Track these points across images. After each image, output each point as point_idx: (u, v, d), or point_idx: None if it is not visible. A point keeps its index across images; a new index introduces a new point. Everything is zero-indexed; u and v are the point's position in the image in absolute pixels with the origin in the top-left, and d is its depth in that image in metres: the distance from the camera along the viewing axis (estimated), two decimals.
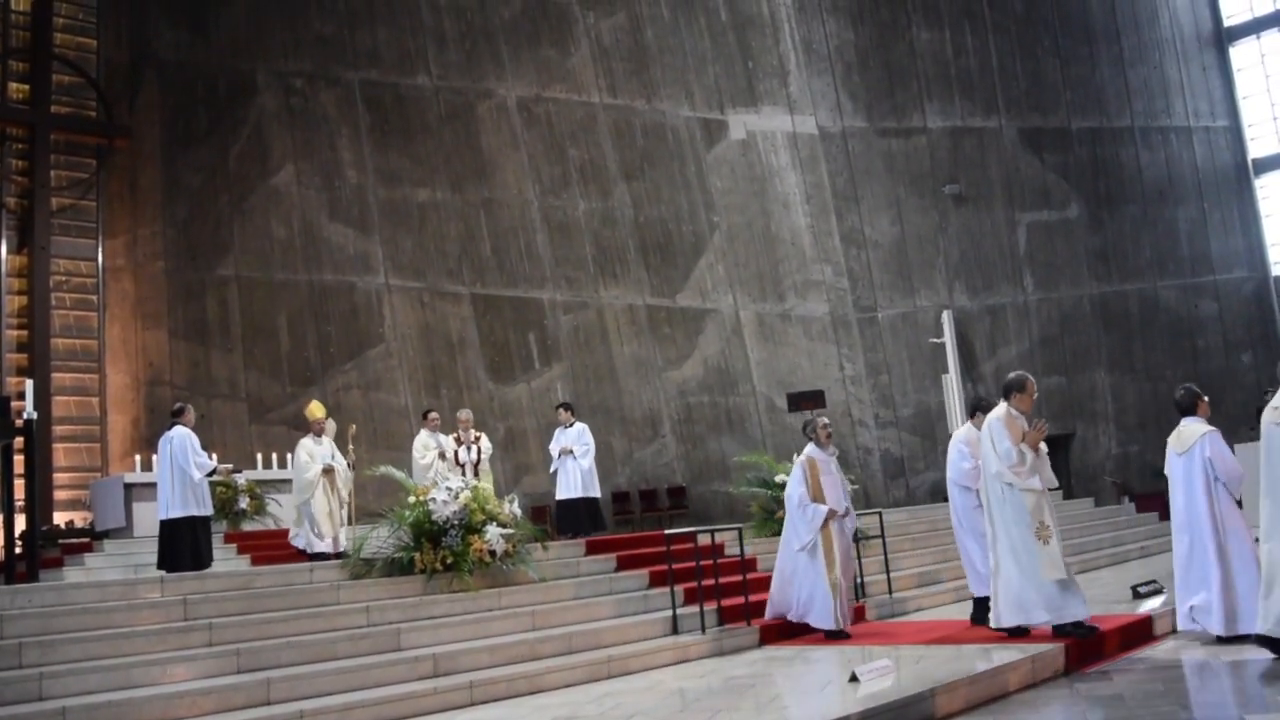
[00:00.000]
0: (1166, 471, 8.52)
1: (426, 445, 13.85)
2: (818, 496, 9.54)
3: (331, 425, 13.13)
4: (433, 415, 14.35)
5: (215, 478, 12.40)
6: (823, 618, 9.42)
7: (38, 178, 17.81)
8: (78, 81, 18.59)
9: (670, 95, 23.40)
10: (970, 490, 9.03)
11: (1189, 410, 8.45)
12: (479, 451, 13.77)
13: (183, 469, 11.26)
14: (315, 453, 12.53)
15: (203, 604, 8.15)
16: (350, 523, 12.32)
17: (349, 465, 12.65)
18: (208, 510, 11.55)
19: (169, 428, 11.64)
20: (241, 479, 15.04)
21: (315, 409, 12.99)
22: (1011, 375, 8.63)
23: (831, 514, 9.49)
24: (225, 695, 6.89)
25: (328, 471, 12.42)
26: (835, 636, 9.36)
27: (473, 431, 13.93)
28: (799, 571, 9.57)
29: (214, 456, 12.14)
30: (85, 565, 12.38)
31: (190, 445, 11.35)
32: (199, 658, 7.41)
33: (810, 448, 9.86)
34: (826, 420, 10.13)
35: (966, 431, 9.32)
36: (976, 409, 9.27)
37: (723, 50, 24.11)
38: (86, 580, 10.36)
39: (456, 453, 13.63)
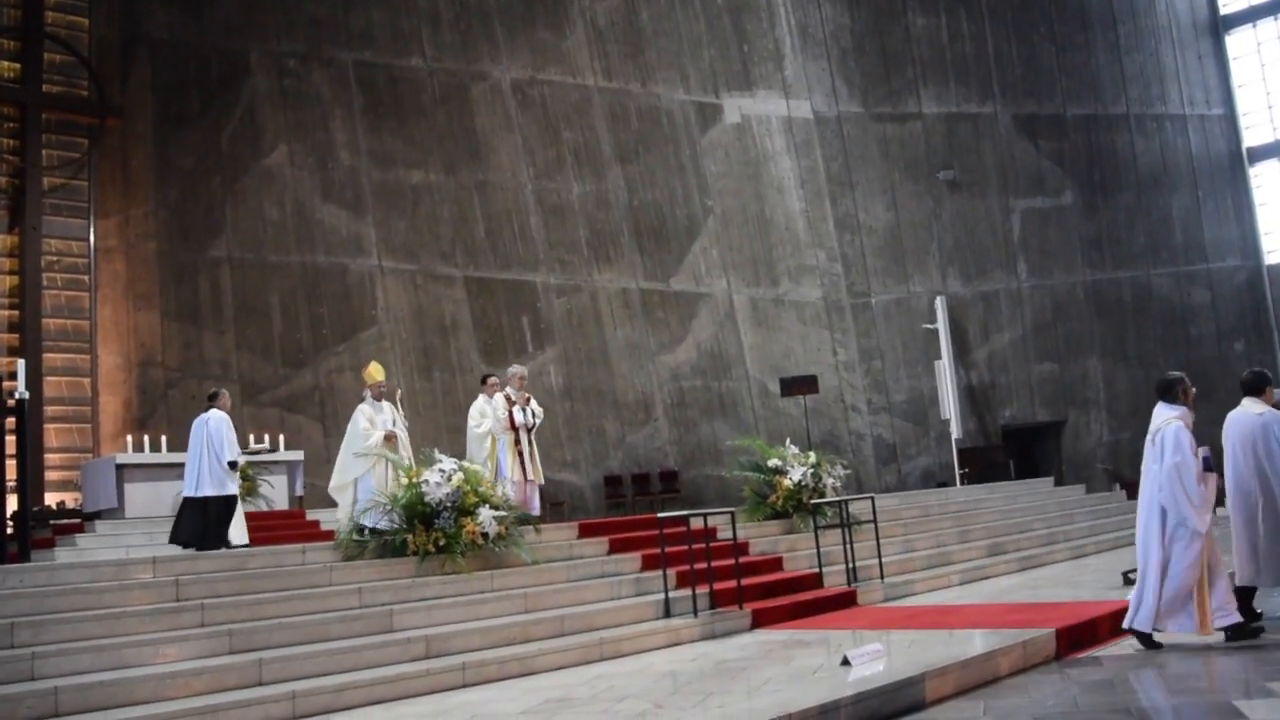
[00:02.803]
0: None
1: (483, 412, 12.85)
2: None
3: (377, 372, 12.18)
4: (492, 380, 13.18)
5: (251, 458, 11.95)
6: (1184, 617, 7.49)
7: (29, 157, 17.72)
8: (69, 60, 18.49)
9: (665, 78, 23.34)
10: None
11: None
12: (533, 414, 12.81)
13: (217, 453, 11.37)
14: (376, 419, 11.39)
15: (194, 585, 8.14)
16: None
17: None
18: (231, 491, 11.53)
19: (205, 410, 11.74)
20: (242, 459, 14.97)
21: (375, 370, 11.87)
22: None
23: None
24: (217, 676, 6.89)
25: (389, 439, 11.32)
26: (1147, 639, 7.64)
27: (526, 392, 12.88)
28: (1173, 561, 7.51)
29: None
30: (77, 546, 12.35)
31: (226, 430, 11.42)
32: (191, 638, 7.40)
33: (1183, 412, 7.74)
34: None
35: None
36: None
37: (718, 33, 24.05)
38: (78, 560, 10.34)
39: (511, 414, 12.59)
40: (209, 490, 11.31)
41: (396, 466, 10.86)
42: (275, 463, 15.58)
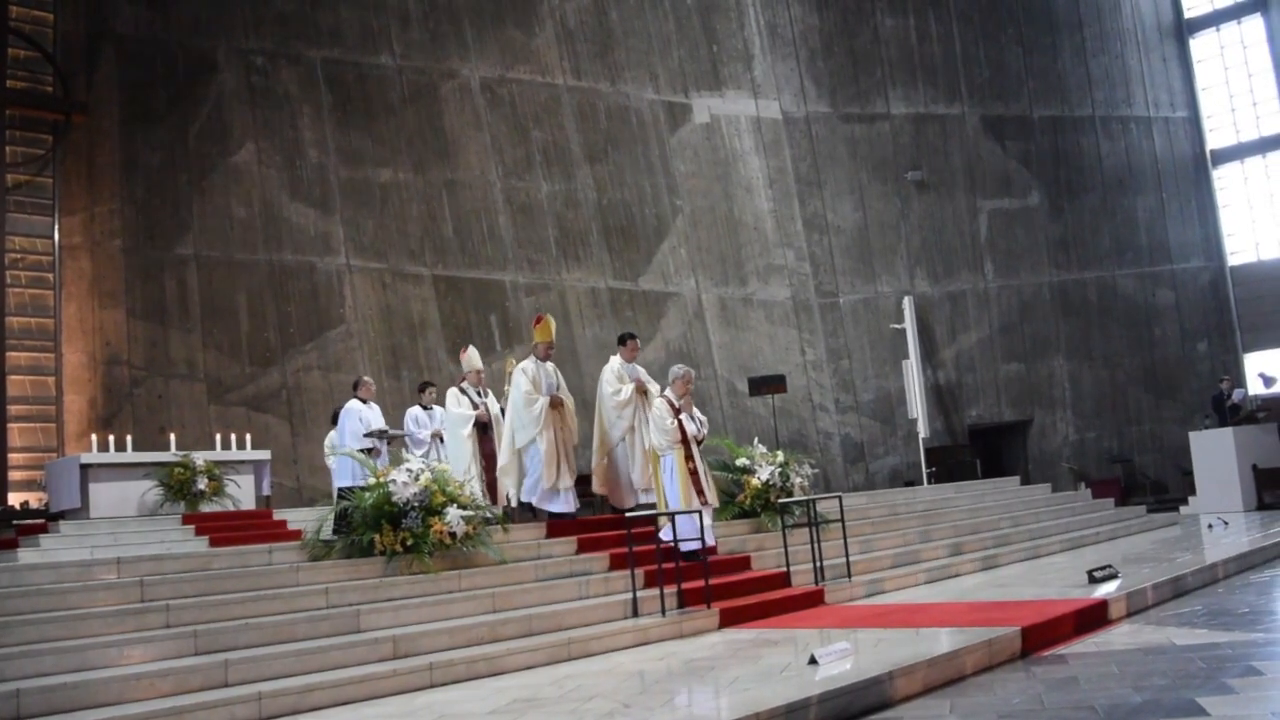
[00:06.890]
0: None
1: (621, 377, 11.62)
2: None
3: (475, 360, 11.45)
4: (633, 340, 11.76)
5: (372, 442, 11.31)
6: None
7: None
8: (34, 56, 18.30)
9: (634, 78, 23.35)
10: None
11: None
12: (701, 423, 11.25)
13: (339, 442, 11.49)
14: (541, 383, 10.49)
15: (160, 585, 8.08)
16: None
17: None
18: (338, 482, 11.42)
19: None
20: (200, 460, 14.87)
21: (550, 325, 10.94)
22: None
23: None
24: (183, 677, 6.84)
25: (555, 405, 10.61)
26: None
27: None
28: None
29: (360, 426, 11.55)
30: (40, 546, 12.21)
31: (347, 421, 11.28)
32: (156, 639, 7.34)
33: None
34: None
35: None
36: None
37: (687, 33, 24.08)
38: (42, 561, 10.23)
39: (681, 424, 10.80)
40: (347, 481, 11.27)
41: (567, 435, 10.31)
42: (242, 462, 15.50)
